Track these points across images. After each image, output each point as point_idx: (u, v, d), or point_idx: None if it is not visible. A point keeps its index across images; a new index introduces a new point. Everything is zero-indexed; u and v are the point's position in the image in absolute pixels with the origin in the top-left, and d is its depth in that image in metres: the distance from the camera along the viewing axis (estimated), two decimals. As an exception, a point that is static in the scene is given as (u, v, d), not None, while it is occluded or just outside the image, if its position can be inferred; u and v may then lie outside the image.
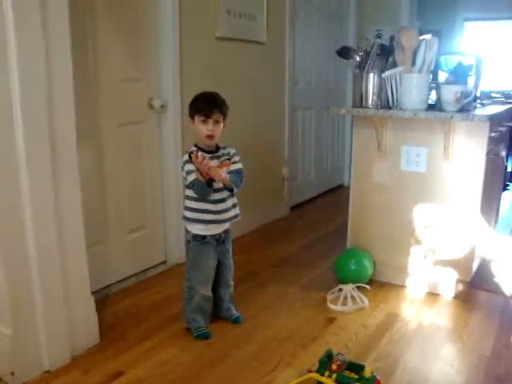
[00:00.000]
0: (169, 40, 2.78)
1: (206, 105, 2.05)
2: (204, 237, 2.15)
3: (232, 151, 2.17)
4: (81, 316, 2.04)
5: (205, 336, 2.17)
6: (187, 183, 2.09)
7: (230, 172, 2.12)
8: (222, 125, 2.08)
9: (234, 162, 2.16)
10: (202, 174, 1.99)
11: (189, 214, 2.15)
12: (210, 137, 2.06)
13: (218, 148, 2.15)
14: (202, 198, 2.09)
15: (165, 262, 3.02)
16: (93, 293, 2.15)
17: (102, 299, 2.48)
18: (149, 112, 2.78)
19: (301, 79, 4.28)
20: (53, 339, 1.92)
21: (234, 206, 2.16)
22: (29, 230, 1.81)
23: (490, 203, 2.98)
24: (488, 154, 2.50)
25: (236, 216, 2.20)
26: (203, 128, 2.06)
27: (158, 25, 2.75)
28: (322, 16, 4.50)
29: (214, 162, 2.09)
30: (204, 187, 2.03)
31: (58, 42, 1.82)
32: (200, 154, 2.00)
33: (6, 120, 1.71)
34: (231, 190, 2.13)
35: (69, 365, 1.98)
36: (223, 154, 2.14)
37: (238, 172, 2.15)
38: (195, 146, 2.12)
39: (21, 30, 1.68)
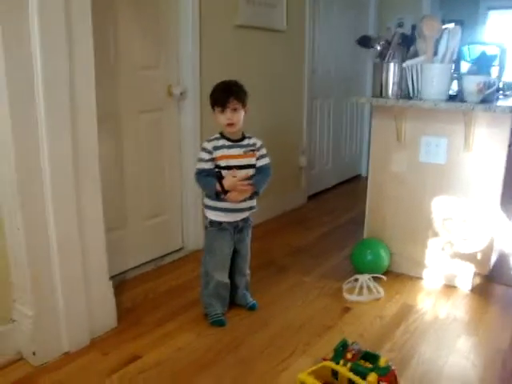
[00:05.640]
0: (188, 28, 2.78)
1: (222, 95, 2.06)
2: (220, 223, 2.16)
3: (259, 143, 2.17)
4: (99, 300, 2.08)
5: (220, 323, 2.19)
6: (195, 170, 2.13)
7: (258, 168, 2.14)
8: (241, 112, 2.08)
9: (262, 156, 2.17)
10: (221, 185, 2.05)
11: (207, 202, 2.17)
12: (231, 125, 2.07)
13: (243, 137, 2.15)
14: (202, 189, 2.16)
15: (182, 248, 3.05)
16: (111, 278, 2.18)
17: (120, 284, 2.52)
18: (168, 99, 2.79)
19: (320, 68, 4.25)
20: (72, 322, 1.96)
21: (250, 197, 2.15)
22: (50, 215, 1.84)
23: (510, 196, 2.94)
24: (510, 146, 2.47)
25: (251, 208, 2.21)
26: (222, 117, 2.07)
27: (178, 12, 2.75)
28: (342, 4, 4.45)
29: (237, 150, 2.10)
30: (212, 191, 2.09)
31: (80, 30, 1.84)
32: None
33: (29, 107, 1.73)
34: (257, 193, 2.15)
35: (87, 347, 2.02)
36: (248, 145, 2.14)
37: (266, 168, 2.16)
38: (220, 133, 2.13)
39: (44, 19, 1.70)
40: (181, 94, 2.79)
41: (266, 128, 3.44)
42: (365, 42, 2.73)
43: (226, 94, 2.05)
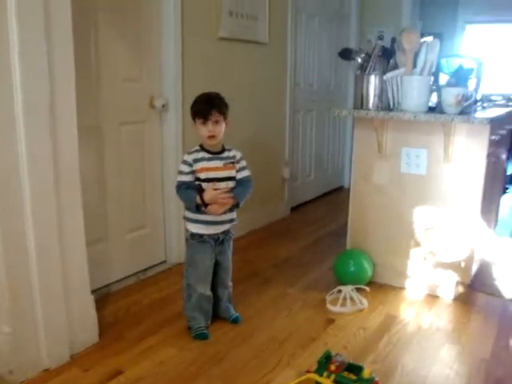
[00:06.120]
0: (170, 40, 2.78)
1: (204, 107, 2.06)
2: (201, 235, 2.15)
3: (238, 155, 2.17)
4: (80, 315, 2.05)
5: (203, 336, 2.17)
6: (176, 183, 2.13)
7: (238, 181, 2.14)
8: (222, 124, 2.09)
9: (242, 168, 2.17)
10: (202, 198, 2.05)
11: (188, 214, 2.17)
12: (212, 137, 2.07)
13: (223, 149, 2.15)
14: (183, 202, 2.15)
15: (165, 261, 3.02)
16: (93, 291, 2.15)
17: (102, 298, 2.49)
18: (150, 111, 2.78)
19: (302, 80, 4.29)
20: (52, 337, 1.92)
21: (230, 209, 2.15)
22: (29, 228, 1.81)
23: (490, 206, 2.98)
24: (488, 156, 2.51)
25: (232, 220, 2.20)
26: (204, 129, 2.06)
27: (160, 24, 2.76)
28: (323, 17, 4.50)
29: (217, 163, 2.10)
30: (192, 204, 2.08)
31: (61, 42, 1.82)
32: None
33: (7, 117, 1.71)
34: (237, 206, 2.15)
35: (68, 363, 1.98)
36: (228, 157, 2.14)
37: (246, 181, 2.16)
38: (200, 146, 2.13)
39: (23, 30, 1.68)
40: (163, 106, 2.79)
41: (249, 140, 3.45)
42: (346, 54, 2.76)
43: (208, 106, 2.05)
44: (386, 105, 2.63)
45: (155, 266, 2.96)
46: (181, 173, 2.11)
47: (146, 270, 2.89)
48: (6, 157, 1.73)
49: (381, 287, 2.72)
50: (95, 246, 2.48)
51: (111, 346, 2.11)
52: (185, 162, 2.10)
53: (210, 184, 2.07)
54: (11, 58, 1.68)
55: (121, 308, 2.45)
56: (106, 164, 2.57)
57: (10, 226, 1.77)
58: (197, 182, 2.09)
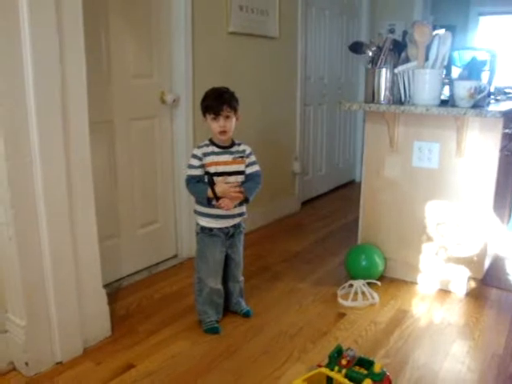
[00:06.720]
0: (181, 35, 2.78)
1: (215, 102, 2.06)
2: (211, 229, 2.16)
3: (248, 150, 2.17)
4: (93, 309, 2.07)
5: (214, 330, 2.18)
6: (185, 177, 2.13)
7: (247, 176, 2.14)
8: (233, 119, 2.09)
9: (251, 163, 2.17)
10: (213, 191, 2.05)
11: (198, 208, 2.17)
12: (223, 132, 2.07)
13: (232, 143, 2.15)
14: (193, 196, 2.16)
15: (176, 255, 3.04)
16: (105, 286, 2.17)
17: (114, 292, 2.51)
18: (161, 106, 2.79)
19: (313, 74, 4.27)
20: (65, 331, 1.95)
21: (239, 204, 2.15)
22: (42, 224, 1.83)
23: (502, 200, 2.95)
24: (501, 150, 2.48)
25: (242, 214, 2.21)
26: (215, 125, 2.07)
27: (171, 20, 2.76)
28: (334, 11, 4.48)
29: (226, 157, 2.10)
30: (204, 198, 2.08)
31: (72, 38, 1.83)
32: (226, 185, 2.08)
33: (19, 113, 1.73)
34: (247, 200, 2.14)
35: (81, 356, 2.00)
36: (237, 151, 2.14)
37: (255, 176, 2.16)
38: (209, 140, 2.13)
39: (35, 26, 1.69)
40: (173, 101, 2.79)
41: (259, 135, 3.44)
42: (357, 48, 2.74)
43: (219, 102, 2.05)
44: (398, 98, 2.61)
45: (166, 260, 2.97)
46: (190, 167, 2.11)
47: (157, 264, 2.90)
48: (18, 154, 1.74)
49: (392, 282, 2.71)
50: (107, 241, 2.50)
51: (123, 339, 2.13)
52: (194, 156, 2.11)
53: (220, 178, 2.08)
54: (23, 52, 1.69)
55: (133, 302, 2.46)
56: (118, 159, 2.59)
57: (24, 222, 1.79)
58: (208, 176, 2.09)
